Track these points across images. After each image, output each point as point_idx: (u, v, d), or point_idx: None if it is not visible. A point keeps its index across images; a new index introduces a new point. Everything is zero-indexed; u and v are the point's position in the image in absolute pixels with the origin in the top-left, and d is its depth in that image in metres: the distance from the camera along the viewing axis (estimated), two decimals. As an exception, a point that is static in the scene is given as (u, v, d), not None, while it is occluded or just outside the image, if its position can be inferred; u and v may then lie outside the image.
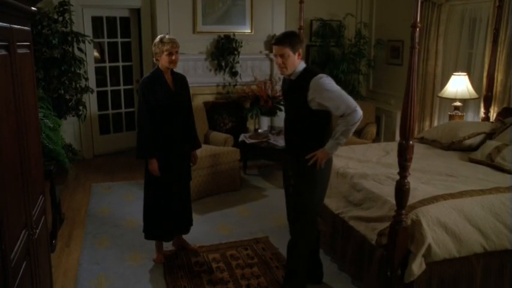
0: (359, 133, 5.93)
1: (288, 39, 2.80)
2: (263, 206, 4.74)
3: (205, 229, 4.16)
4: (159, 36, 3.35)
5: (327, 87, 2.76)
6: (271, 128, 6.27)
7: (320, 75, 2.79)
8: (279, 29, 6.51)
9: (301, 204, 2.95)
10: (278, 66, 2.87)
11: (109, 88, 6.63)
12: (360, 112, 2.77)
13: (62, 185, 4.97)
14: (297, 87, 2.85)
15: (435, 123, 5.70)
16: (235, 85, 6.34)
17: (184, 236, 3.78)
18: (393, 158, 3.08)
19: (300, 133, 2.92)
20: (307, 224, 2.99)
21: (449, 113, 5.20)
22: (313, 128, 2.88)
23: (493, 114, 4.76)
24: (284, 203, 4.74)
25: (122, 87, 6.73)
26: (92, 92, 5.99)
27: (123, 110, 6.82)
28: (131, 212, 4.52)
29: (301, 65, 2.87)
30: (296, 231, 3.01)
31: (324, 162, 2.84)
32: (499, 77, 4.70)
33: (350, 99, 2.77)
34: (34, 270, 2.10)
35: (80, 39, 5.50)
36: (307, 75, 2.81)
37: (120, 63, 6.64)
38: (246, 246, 3.85)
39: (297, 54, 2.82)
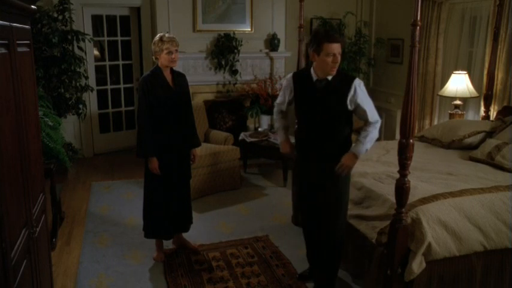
0: (359, 131, 5.92)
1: (339, 35, 2.78)
2: (263, 205, 4.74)
3: (205, 228, 4.16)
4: (158, 35, 3.34)
5: (366, 92, 2.84)
6: (271, 126, 6.26)
7: (356, 77, 2.86)
8: (279, 28, 6.53)
9: (341, 204, 2.93)
10: (331, 66, 2.75)
11: (109, 87, 6.62)
12: (378, 131, 2.90)
13: (62, 183, 4.98)
14: (336, 87, 2.80)
15: (435, 122, 5.71)
16: (235, 84, 6.34)
17: (184, 235, 3.78)
18: (393, 157, 3.08)
19: (334, 136, 2.87)
20: (343, 221, 2.99)
21: (449, 111, 5.20)
22: (346, 130, 2.91)
23: (493, 113, 4.76)
24: (283, 201, 4.74)
25: (122, 85, 6.73)
26: (92, 90, 5.99)
27: (123, 108, 6.81)
28: (131, 210, 4.52)
29: None
30: (332, 232, 2.96)
31: (353, 165, 2.86)
32: (499, 75, 4.70)
33: (375, 111, 2.89)
34: (34, 268, 2.10)
35: (80, 37, 5.49)
36: (346, 75, 2.91)
37: (120, 62, 6.64)
38: (246, 244, 3.85)
39: None
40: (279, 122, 3.24)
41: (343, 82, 2.81)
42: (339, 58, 2.75)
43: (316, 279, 3.15)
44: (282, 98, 3.13)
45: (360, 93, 2.79)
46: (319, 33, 2.77)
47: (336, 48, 2.72)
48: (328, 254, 3.02)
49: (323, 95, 2.83)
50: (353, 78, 2.82)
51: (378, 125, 2.87)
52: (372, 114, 2.85)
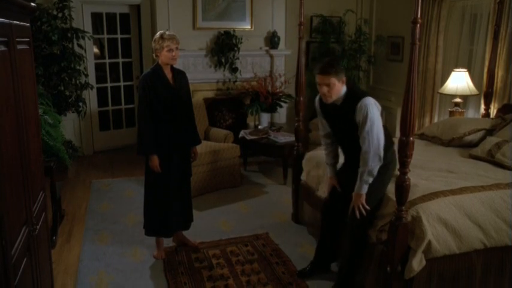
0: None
1: (333, 68, 2.82)
2: (263, 203, 4.74)
3: (206, 225, 4.16)
4: (159, 32, 3.34)
5: (369, 114, 2.75)
6: (271, 124, 6.26)
7: (366, 98, 2.79)
8: (279, 25, 6.53)
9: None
10: (322, 94, 2.88)
11: (109, 84, 6.62)
12: (374, 161, 2.77)
13: (62, 181, 4.97)
14: (344, 112, 2.88)
15: (435, 120, 5.70)
16: (235, 81, 6.33)
17: (184, 232, 3.78)
18: (393, 155, 3.07)
19: (357, 152, 2.89)
20: (365, 221, 2.98)
21: (449, 109, 5.20)
22: None
23: (493, 111, 4.76)
24: (283, 199, 4.75)
25: (121, 83, 6.73)
26: (92, 88, 5.98)
27: (123, 106, 6.81)
28: (131, 208, 4.52)
29: (343, 89, 2.89)
30: (361, 233, 2.98)
31: (364, 201, 2.84)
32: (499, 73, 4.70)
33: (376, 141, 2.75)
34: (35, 266, 2.10)
35: (80, 35, 5.48)
36: (353, 98, 2.84)
37: (120, 60, 6.63)
38: (246, 242, 3.85)
39: (341, 81, 2.85)
40: (326, 158, 3.28)
41: (350, 106, 2.83)
42: (328, 89, 2.82)
43: (337, 275, 3.16)
44: (320, 122, 3.23)
45: (362, 113, 2.76)
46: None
47: (324, 79, 2.82)
48: (348, 245, 3.03)
49: (335, 117, 3.00)
50: (359, 99, 2.80)
51: (367, 158, 2.77)
52: (364, 140, 2.77)
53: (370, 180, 2.83)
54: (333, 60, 2.98)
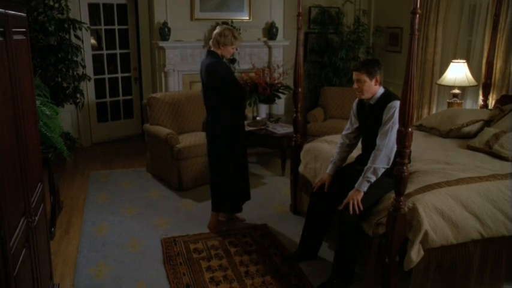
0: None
1: (365, 67, 2.98)
2: (261, 194, 4.74)
3: (204, 216, 4.17)
4: (229, 29, 3.59)
5: (395, 115, 2.83)
6: (270, 115, 6.25)
7: (399, 101, 2.78)
8: (278, 16, 6.49)
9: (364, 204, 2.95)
10: (355, 90, 3.06)
11: (106, 76, 6.59)
12: (382, 162, 2.85)
13: (61, 173, 4.97)
14: (376, 111, 3.01)
15: (434, 111, 5.70)
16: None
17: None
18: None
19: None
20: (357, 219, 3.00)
21: (447, 100, 5.19)
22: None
23: (491, 102, 4.76)
24: (281, 190, 4.75)
25: (119, 74, 6.70)
26: (90, 79, 5.96)
27: (120, 97, 6.79)
28: (130, 199, 4.52)
29: (380, 90, 3.03)
30: (352, 227, 2.98)
31: (360, 201, 2.86)
32: (498, 64, 4.69)
33: (392, 143, 2.83)
34: (34, 257, 2.10)
35: (77, 26, 5.45)
36: (385, 99, 2.98)
37: (118, 51, 6.60)
38: (244, 233, 3.86)
39: (374, 81, 2.97)
40: (335, 156, 3.34)
41: (381, 105, 2.97)
42: (360, 85, 2.98)
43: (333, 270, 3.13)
44: (349, 121, 3.33)
45: (389, 112, 2.88)
46: None
47: (356, 75, 3.00)
48: (340, 240, 3.03)
49: (367, 117, 3.12)
50: (390, 100, 2.94)
51: (377, 156, 2.86)
52: (380, 136, 2.88)
53: (373, 179, 2.87)
54: (370, 60, 3.12)
